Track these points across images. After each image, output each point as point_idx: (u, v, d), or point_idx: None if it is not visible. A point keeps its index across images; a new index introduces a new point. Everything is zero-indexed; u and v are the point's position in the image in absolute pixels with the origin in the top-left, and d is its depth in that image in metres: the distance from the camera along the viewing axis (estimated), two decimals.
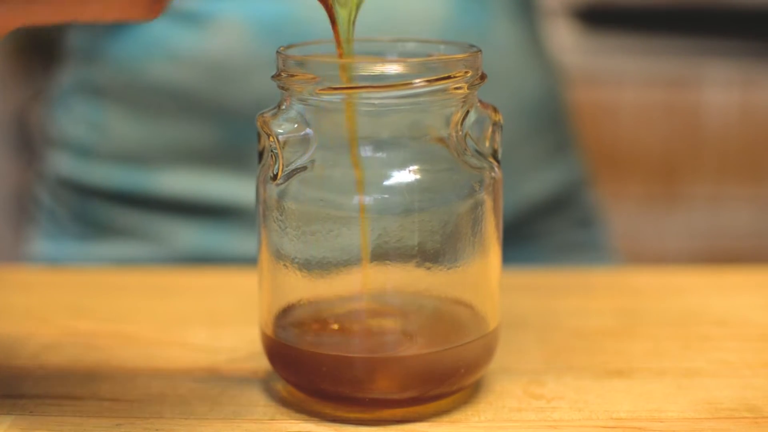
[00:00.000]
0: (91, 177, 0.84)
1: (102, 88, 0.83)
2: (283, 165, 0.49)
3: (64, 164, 0.86)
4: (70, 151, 0.85)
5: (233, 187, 0.80)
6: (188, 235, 0.82)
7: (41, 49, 1.92)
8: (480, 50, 0.50)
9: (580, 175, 0.92)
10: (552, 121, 0.89)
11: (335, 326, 0.51)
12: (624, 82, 1.88)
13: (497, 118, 0.51)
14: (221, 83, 0.78)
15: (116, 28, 0.81)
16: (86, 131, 0.84)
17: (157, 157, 0.81)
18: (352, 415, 0.50)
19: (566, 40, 1.84)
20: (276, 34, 0.77)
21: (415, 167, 0.49)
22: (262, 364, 0.54)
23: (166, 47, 0.79)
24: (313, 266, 0.50)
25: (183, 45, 0.79)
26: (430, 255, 0.49)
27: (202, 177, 0.81)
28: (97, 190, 0.84)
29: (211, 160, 0.80)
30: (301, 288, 0.51)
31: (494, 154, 0.51)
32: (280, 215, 0.50)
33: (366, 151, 0.49)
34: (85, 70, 0.85)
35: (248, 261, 0.67)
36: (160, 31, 0.80)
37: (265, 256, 0.51)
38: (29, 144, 1.96)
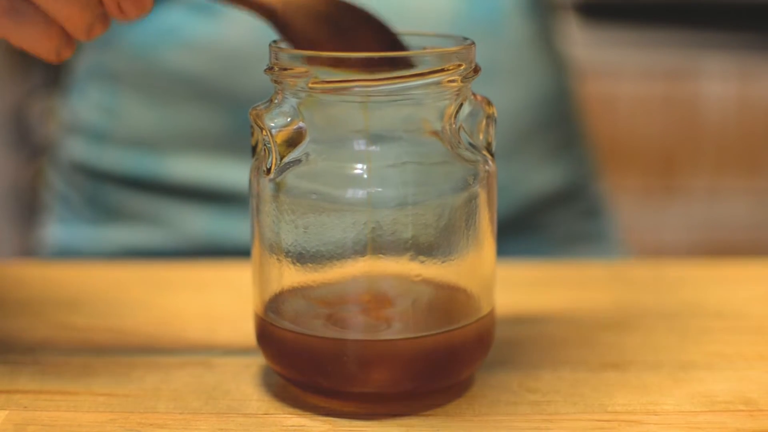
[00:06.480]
0: (104, 162, 0.85)
1: (116, 74, 0.84)
2: (276, 159, 0.49)
3: (77, 149, 0.86)
4: (83, 136, 0.86)
5: (244, 174, 0.80)
6: (199, 220, 0.82)
7: None
8: (473, 43, 0.50)
9: (588, 168, 0.93)
10: (562, 116, 0.89)
11: (328, 312, 0.51)
12: (622, 75, 1.88)
13: (491, 111, 0.51)
14: (234, 71, 0.79)
15: None
16: (100, 116, 0.85)
17: (169, 143, 0.82)
18: (346, 409, 0.50)
19: (565, 34, 1.84)
20: None
21: (409, 160, 0.49)
22: (257, 358, 0.54)
23: (180, 35, 0.80)
24: (306, 260, 0.49)
25: (197, 33, 0.80)
26: (424, 248, 0.49)
27: (214, 163, 0.81)
28: (110, 174, 0.84)
29: (223, 147, 0.81)
30: (294, 281, 0.50)
31: (488, 147, 0.51)
32: (274, 209, 0.49)
33: (359, 145, 0.49)
34: (100, 56, 0.86)
35: None
36: (175, 20, 0.80)
37: (258, 250, 0.51)
38: (28, 139, 1.96)
